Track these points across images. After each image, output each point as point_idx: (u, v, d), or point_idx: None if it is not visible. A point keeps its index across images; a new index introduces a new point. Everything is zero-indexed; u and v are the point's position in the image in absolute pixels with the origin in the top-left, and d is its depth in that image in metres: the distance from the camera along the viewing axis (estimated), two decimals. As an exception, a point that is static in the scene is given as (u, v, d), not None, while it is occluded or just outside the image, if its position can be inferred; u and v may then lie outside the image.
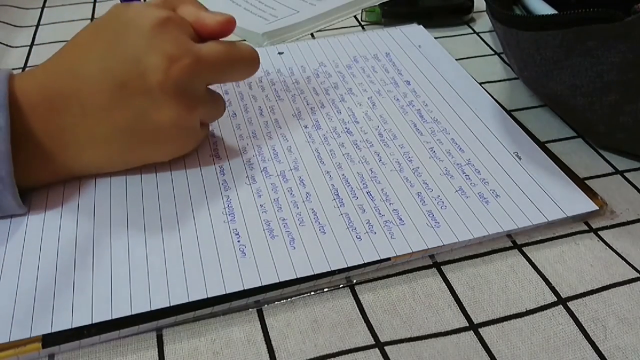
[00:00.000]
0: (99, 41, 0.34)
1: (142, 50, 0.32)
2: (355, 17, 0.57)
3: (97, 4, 0.60)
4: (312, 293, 0.31)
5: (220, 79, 0.38)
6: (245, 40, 0.53)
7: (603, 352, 0.28)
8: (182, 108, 0.33)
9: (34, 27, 0.56)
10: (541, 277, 0.32)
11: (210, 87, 0.37)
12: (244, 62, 0.37)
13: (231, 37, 0.53)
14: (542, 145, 0.40)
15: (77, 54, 0.34)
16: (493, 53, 0.51)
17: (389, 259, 0.32)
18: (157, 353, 0.28)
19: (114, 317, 0.29)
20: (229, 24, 0.36)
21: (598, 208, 0.35)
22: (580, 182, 0.37)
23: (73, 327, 0.28)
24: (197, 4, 0.37)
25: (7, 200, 0.32)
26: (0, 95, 0.31)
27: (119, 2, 0.35)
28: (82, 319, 0.28)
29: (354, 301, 0.31)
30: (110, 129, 0.33)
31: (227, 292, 0.30)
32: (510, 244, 0.34)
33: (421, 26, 0.54)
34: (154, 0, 0.36)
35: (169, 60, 0.32)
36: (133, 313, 0.29)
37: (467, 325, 0.30)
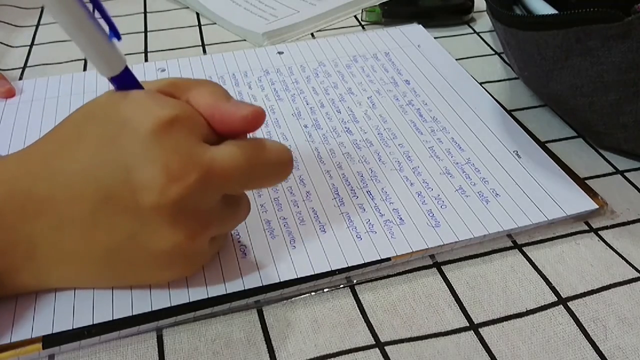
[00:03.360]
0: (85, 140, 0.26)
1: (136, 161, 0.25)
2: (355, 17, 0.57)
3: (96, 3, 0.60)
4: (313, 293, 0.31)
5: (239, 189, 0.30)
6: (245, 39, 0.53)
7: (603, 352, 0.28)
8: (183, 234, 0.26)
9: (34, 27, 0.56)
10: (541, 277, 0.32)
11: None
12: (272, 168, 0.29)
13: (231, 37, 0.53)
14: (542, 145, 0.40)
15: (57, 152, 0.27)
16: (493, 53, 0.51)
17: (389, 259, 0.32)
18: (157, 353, 0.28)
19: (114, 318, 0.29)
20: (256, 119, 0.28)
21: (598, 207, 0.35)
22: (581, 182, 0.37)
23: (74, 327, 0.28)
24: (215, 88, 0.29)
25: None
26: None
27: (112, 89, 0.28)
28: (82, 320, 0.28)
29: (354, 301, 0.31)
30: (90, 248, 0.27)
31: (228, 292, 0.30)
32: (510, 243, 0.34)
33: (421, 26, 0.54)
34: (160, 83, 0.28)
35: (169, 177, 0.25)
36: (134, 314, 0.29)
37: (468, 325, 0.30)
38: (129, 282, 0.30)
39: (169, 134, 0.26)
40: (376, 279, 0.32)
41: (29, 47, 0.53)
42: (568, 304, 0.30)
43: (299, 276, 0.31)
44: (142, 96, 0.27)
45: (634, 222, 0.35)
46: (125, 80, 0.27)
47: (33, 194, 0.26)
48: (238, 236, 0.33)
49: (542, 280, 0.32)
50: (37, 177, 0.27)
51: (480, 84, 0.46)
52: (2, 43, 0.53)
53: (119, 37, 0.26)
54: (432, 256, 0.33)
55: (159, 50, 0.52)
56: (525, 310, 0.30)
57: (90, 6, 0.26)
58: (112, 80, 0.27)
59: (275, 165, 0.29)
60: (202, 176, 0.26)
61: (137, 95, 0.27)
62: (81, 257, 0.27)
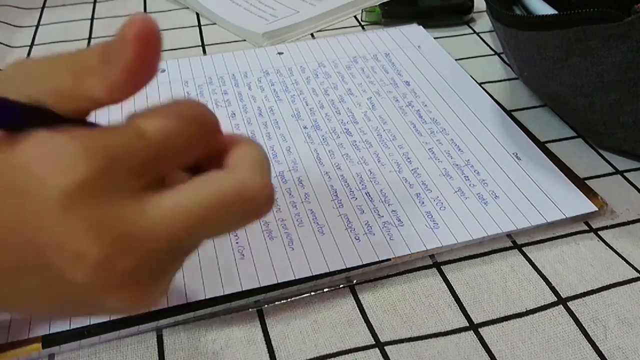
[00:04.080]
0: None
1: (49, 243, 0.19)
2: (355, 17, 0.57)
3: (97, 4, 0.60)
4: (312, 293, 0.31)
5: (198, 243, 0.23)
6: (245, 40, 0.53)
7: (603, 352, 0.28)
8: (130, 300, 0.21)
9: (34, 27, 0.56)
10: (541, 277, 0.32)
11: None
12: (240, 211, 0.22)
13: (231, 38, 0.53)
14: (542, 145, 0.40)
15: None
16: (493, 53, 0.51)
17: (388, 259, 0.32)
18: (157, 353, 0.28)
19: (113, 319, 0.29)
20: (146, 30, 0.20)
21: (597, 209, 0.35)
22: (581, 182, 0.37)
23: (71, 327, 0.28)
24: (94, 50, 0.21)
25: None
26: None
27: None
28: (81, 321, 0.28)
29: (354, 301, 0.31)
30: (13, 291, 0.21)
31: (226, 294, 0.30)
32: (510, 244, 0.34)
33: (421, 26, 0.54)
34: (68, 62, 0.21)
35: (96, 268, 0.19)
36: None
37: (467, 325, 0.30)
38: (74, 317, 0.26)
39: (84, 204, 0.19)
40: (376, 279, 0.32)
41: (29, 47, 0.53)
42: (568, 304, 0.30)
43: (297, 277, 0.31)
44: (43, 143, 0.19)
45: (634, 222, 0.35)
46: (15, 121, 0.19)
47: None
48: (236, 238, 0.33)
49: (542, 281, 0.32)
50: None
51: (480, 84, 0.46)
52: (2, 43, 0.53)
53: None
54: (432, 256, 0.33)
55: (159, 51, 0.52)
56: (525, 310, 0.30)
57: None
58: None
59: (250, 204, 0.22)
60: (140, 256, 0.20)
61: (38, 140, 0.19)
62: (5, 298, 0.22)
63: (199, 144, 0.22)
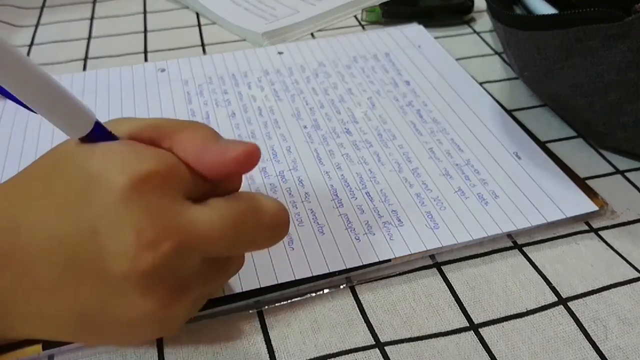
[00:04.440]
0: (51, 194, 0.24)
1: (106, 224, 0.22)
2: (355, 17, 0.57)
3: (96, 4, 0.60)
4: (312, 293, 0.31)
5: (224, 254, 0.26)
6: (245, 40, 0.53)
7: (604, 352, 0.28)
8: (155, 303, 0.23)
9: (34, 27, 0.56)
10: (541, 277, 0.32)
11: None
12: (263, 232, 0.26)
13: (231, 37, 0.53)
14: (542, 145, 0.40)
15: (22, 204, 0.24)
16: (493, 53, 0.51)
17: (388, 260, 0.32)
18: (157, 353, 0.28)
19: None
20: (249, 158, 0.25)
21: (598, 209, 0.35)
22: (581, 182, 0.37)
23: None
24: (203, 130, 0.26)
25: None
26: None
27: (77, 140, 0.24)
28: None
29: (354, 301, 0.31)
30: (57, 310, 0.24)
31: (226, 295, 0.30)
32: (510, 244, 0.34)
33: (421, 26, 0.54)
34: (142, 125, 0.25)
35: (140, 245, 0.22)
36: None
37: (468, 325, 0.30)
38: (99, 343, 0.28)
39: (143, 193, 0.23)
40: (376, 279, 0.32)
41: (28, 47, 0.53)
42: (568, 304, 0.30)
43: (296, 278, 0.31)
44: (115, 148, 0.24)
45: (634, 222, 0.35)
46: (96, 136, 0.24)
47: None
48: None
49: (542, 281, 0.32)
50: (1, 229, 0.24)
51: (480, 84, 0.46)
52: (1, 43, 0.53)
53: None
54: (432, 256, 0.33)
55: (159, 50, 0.52)
56: (525, 311, 0.30)
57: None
58: (81, 139, 0.24)
59: (268, 229, 0.26)
60: (179, 243, 0.23)
61: (109, 147, 0.24)
62: (48, 318, 0.24)
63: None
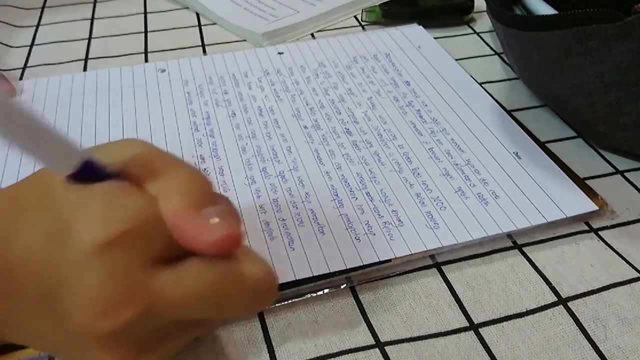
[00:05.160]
0: (31, 229, 0.23)
1: (72, 278, 0.22)
2: (355, 17, 0.57)
3: (97, 4, 0.60)
4: (313, 293, 0.31)
5: (203, 317, 0.25)
6: (245, 40, 0.53)
7: (603, 352, 0.28)
8: (119, 358, 0.22)
9: (34, 27, 0.56)
10: (541, 277, 0.32)
11: None
12: (246, 297, 0.24)
13: (231, 38, 0.53)
14: (542, 145, 0.40)
15: (15, 220, 0.23)
16: (493, 53, 0.51)
17: (388, 260, 0.32)
18: (157, 353, 0.28)
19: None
20: (227, 246, 0.23)
21: (598, 208, 0.35)
22: (581, 182, 0.37)
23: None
24: (190, 185, 0.24)
25: None
26: None
27: (66, 177, 0.22)
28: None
29: (354, 301, 0.31)
30: (38, 332, 0.24)
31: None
32: (510, 244, 0.34)
33: (421, 27, 0.54)
34: (131, 157, 0.24)
35: (100, 310, 0.21)
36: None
37: (468, 325, 0.30)
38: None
39: (112, 255, 0.21)
40: (376, 279, 0.32)
41: (29, 47, 0.53)
42: (568, 304, 0.30)
43: (297, 278, 0.31)
44: (92, 200, 0.22)
45: (634, 222, 0.35)
46: (83, 174, 0.22)
47: None
48: (238, 236, 0.33)
49: (542, 281, 0.32)
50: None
51: (480, 84, 0.46)
52: (2, 43, 0.53)
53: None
54: (432, 256, 0.33)
55: (159, 51, 0.52)
56: (525, 310, 0.30)
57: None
58: (69, 177, 0.22)
59: (251, 296, 0.24)
60: (144, 309, 0.22)
61: (87, 197, 0.22)
62: (30, 338, 0.24)
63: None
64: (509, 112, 0.43)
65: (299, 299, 0.31)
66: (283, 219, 0.34)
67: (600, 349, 0.28)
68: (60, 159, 0.22)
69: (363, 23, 0.56)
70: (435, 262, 0.33)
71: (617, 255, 0.33)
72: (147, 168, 0.24)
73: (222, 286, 0.23)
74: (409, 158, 0.39)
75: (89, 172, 0.22)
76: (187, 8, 0.59)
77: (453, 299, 0.31)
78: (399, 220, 0.34)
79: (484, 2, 0.44)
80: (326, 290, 0.31)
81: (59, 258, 0.22)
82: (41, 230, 0.23)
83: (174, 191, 0.23)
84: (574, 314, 0.30)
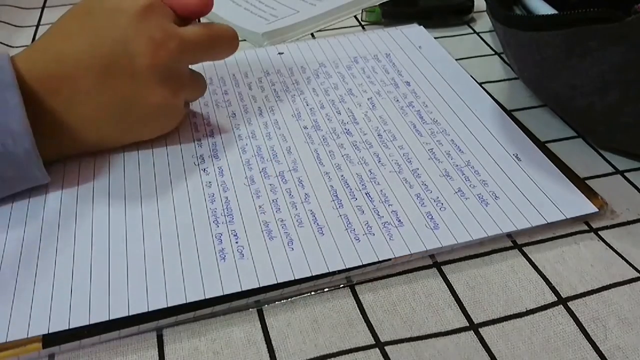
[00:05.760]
0: (85, 27, 0.34)
1: (129, 36, 0.34)
2: (355, 17, 0.57)
3: (97, 4, 0.60)
4: (313, 293, 0.31)
5: (203, 58, 0.39)
6: (245, 40, 0.53)
7: (603, 352, 0.28)
8: (168, 91, 0.35)
9: (34, 27, 0.56)
10: (541, 277, 0.32)
11: (197, 70, 0.41)
12: (224, 41, 0.39)
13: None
14: (542, 145, 0.40)
15: (63, 39, 0.34)
16: (493, 53, 0.51)
17: (388, 260, 0.32)
18: (157, 353, 0.28)
19: (111, 318, 0.29)
20: (207, 3, 0.37)
21: (597, 210, 0.35)
22: (581, 183, 0.37)
23: (70, 327, 0.28)
24: None
25: (34, 172, 0.33)
26: (8, 74, 0.31)
27: None
28: (78, 320, 0.28)
29: (354, 301, 0.31)
30: (100, 112, 0.35)
31: (225, 294, 0.30)
32: (510, 244, 0.34)
33: (421, 27, 0.54)
34: None
35: (156, 45, 0.34)
36: (130, 314, 0.29)
37: (468, 325, 0.30)
38: (131, 138, 0.38)
39: (149, 14, 0.34)
40: (376, 279, 0.32)
41: (29, 47, 0.53)
42: (568, 304, 0.30)
43: (296, 277, 0.31)
44: None
45: (634, 222, 0.35)
46: None
47: (50, 74, 0.33)
48: (236, 238, 0.33)
49: (542, 280, 0.32)
50: (51, 61, 0.33)
51: (480, 84, 0.46)
52: (2, 43, 0.53)
53: None
54: (432, 256, 0.33)
55: (159, 51, 0.52)
56: (525, 310, 0.30)
57: None
58: None
59: (227, 39, 0.39)
60: (179, 44, 0.35)
61: None
62: (94, 120, 0.35)
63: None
64: (508, 112, 0.43)
65: (299, 297, 0.31)
66: (282, 220, 0.34)
67: (600, 349, 0.28)
68: None
69: (363, 23, 0.56)
70: (435, 262, 0.33)
71: (617, 255, 0.33)
72: None
73: (211, 34, 0.38)
74: (409, 159, 0.39)
75: None
76: None
77: (453, 299, 0.31)
78: (399, 221, 0.34)
79: (484, 2, 0.44)
80: (326, 290, 0.31)
81: (113, 33, 0.34)
82: (89, 32, 0.34)
83: None
84: (574, 314, 0.30)
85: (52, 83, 0.33)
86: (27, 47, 0.35)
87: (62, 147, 0.36)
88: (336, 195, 0.36)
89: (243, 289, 0.30)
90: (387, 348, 0.28)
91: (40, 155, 0.33)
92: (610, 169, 0.39)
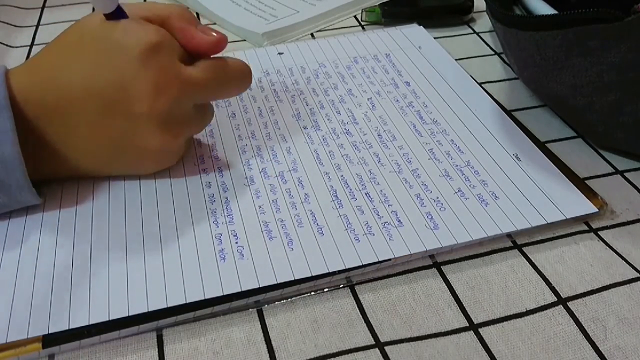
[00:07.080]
0: (84, 56, 0.32)
1: (129, 77, 0.31)
2: (355, 17, 0.57)
3: (97, 4, 0.60)
4: (312, 293, 0.31)
5: (209, 98, 0.37)
6: (245, 40, 0.53)
7: (603, 352, 0.28)
8: (167, 136, 0.33)
9: (34, 27, 0.56)
10: (541, 277, 0.32)
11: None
12: (235, 81, 0.36)
13: (231, 37, 0.53)
14: (542, 145, 0.40)
15: (61, 66, 0.32)
16: (493, 53, 0.51)
17: (388, 260, 0.32)
18: (157, 353, 0.28)
19: (111, 318, 0.29)
20: (219, 43, 0.34)
21: (597, 210, 0.35)
22: (580, 183, 0.37)
23: (70, 327, 0.28)
24: (187, 16, 0.35)
25: (25, 197, 0.33)
26: (1, 97, 0.30)
27: (101, 18, 0.32)
28: (79, 321, 0.28)
29: (354, 301, 0.31)
30: (95, 147, 0.34)
31: (225, 294, 0.30)
32: (510, 244, 0.34)
33: (421, 27, 0.54)
34: (143, 12, 0.34)
35: (156, 90, 0.31)
36: (130, 314, 0.29)
37: (467, 325, 0.30)
38: (127, 171, 0.36)
39: (154, 54, 0.32)
40: (376, 279, 0.32)
41: (29, 47, 0.53)
42: (568, 304, 0.30)
43: (296, 278, 0.31)
44: (131, 24, 0.32)
45: (633, 222, 0.35)
46: (116, 15, 0.32)
47: (44, 104, 0.32)
48: (236, 238, 0.33)
49: (542, 281, 0.32)
50: (46, 89, 0.32)
51: (480, 84, 0.46)
52: (2, 43, 0.53)
53: None
54: (432, 256, 0.33)
55: (159, 51, 0.52)
56: (525, 311, 0.30)
57: None
58: (106, 15, 0.32)
59: (239, 78, 0.36)
60: (182, 88, 0.32)
61: (127, 23, 0.32)
62: (89, 153, 0.34)
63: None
64: (508, 112, 0.43)
65: (299, 297, 0.31)
66: (282, 220, 0.34)
67: (600, 349, 0.28)
68: (107, 2, 0.32)
69: (363, 23, 0.56)
70: (435, 262, 0.33)
71: (616, 255, 0.33)
72: (151, 14, 0.34)
73: (220, 73, 0.35)
74: (408, 159, 0.39)
75: (119, 14, 0.32)
76: (187, 8, 0.59)
77: (453, 299, 0.31)
78: (399, 221, 0.34)
79: (484, 2, 0.44)
80: (326, 290, 0.31)
81: (111, 70, 0.31)
82: (86, 62, 0.32)
83: (177, 19, 0.34)
84: (574, 314, 0.30)
85: (46, 112, 0.32)
86: (24, 66, 0.34)
87: (57, 171, 0.35)
88: (336, 196, 0.36)
89: (243, 289, 0.30)
90: (387, 348, 0.28)
91: (35, 175, 0.32)
92: (610, 169, 0.39)
